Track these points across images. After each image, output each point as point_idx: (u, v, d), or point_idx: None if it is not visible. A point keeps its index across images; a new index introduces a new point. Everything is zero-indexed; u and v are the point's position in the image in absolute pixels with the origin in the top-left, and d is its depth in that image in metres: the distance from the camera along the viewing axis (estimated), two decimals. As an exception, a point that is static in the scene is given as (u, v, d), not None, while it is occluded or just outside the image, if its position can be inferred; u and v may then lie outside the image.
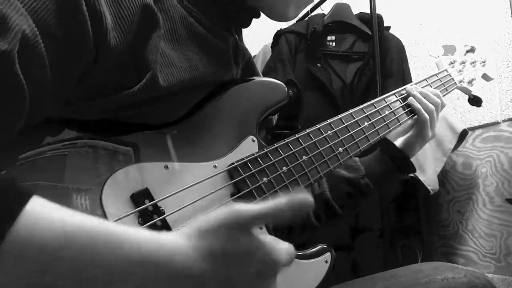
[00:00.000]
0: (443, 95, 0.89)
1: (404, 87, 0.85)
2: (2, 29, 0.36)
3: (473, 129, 1.93)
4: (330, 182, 0.82)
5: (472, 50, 0.99)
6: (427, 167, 1.74)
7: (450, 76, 0.94)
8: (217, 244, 0.37)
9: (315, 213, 0.82)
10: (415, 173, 1.72)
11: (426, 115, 0.81)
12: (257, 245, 0.39)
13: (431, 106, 0.82)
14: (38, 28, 0.38)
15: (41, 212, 0.32)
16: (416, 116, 0.82)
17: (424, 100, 0.82)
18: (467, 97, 1.00)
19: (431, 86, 0.89)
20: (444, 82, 0.92)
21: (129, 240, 0.35)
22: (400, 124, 0.80)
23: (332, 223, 0.83)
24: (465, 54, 0.99)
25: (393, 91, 0.83)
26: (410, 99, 0.82)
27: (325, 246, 0.66)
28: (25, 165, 0.44)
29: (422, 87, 0.86)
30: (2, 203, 0.31)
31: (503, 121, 1.83)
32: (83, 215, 0.35)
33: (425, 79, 0.89)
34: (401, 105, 0.82)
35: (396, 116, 0.80)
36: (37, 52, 0.38)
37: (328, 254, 0.65)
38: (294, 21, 2.12)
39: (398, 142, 0.84)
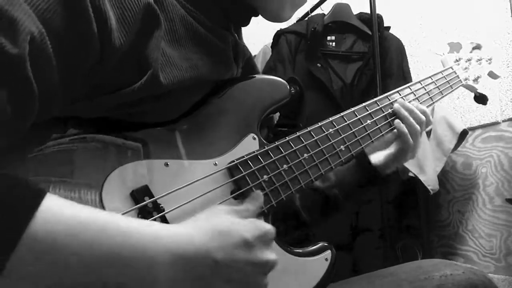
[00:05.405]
0: (447, 94, 0.88)
1: (407, 85, 0.83)
2: (12, 32, 0.36)
3: (473, 129, 1.93)
4: (300, 192, 0.75)
5: (478, 47, 0.97)
6: (427, 167, 1.74)
7: (456, 73, 0.92)
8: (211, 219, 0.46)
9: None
10: (415, 173, 1.72)
11: (411, 141, 0.76)
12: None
13: (417, 128, 0.77)
14: (45, 29, 0.38)
15: (54, 209, 0.35)
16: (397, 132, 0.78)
17: (411, 121, 0.77)
18: (468, 96, 0.99)
19: (435, 84, 0.87)
20: (449, 80, 0.90)
21: (137, 226, 0.40)
22: None
23: (303, 231, 0.81)
24: (471, 52, 0.97)
25: (397, 89, 0.81)
26: (397, 121, 0.77)
27: (325, 244, 0.66)
28: (34, 160, 0.44)
29: (418, 89, 0.84)
30: (18, 202, 0.33)
31: (503, 121, 1.83)
32: (93, 209, 0.39)
33: (430, 77, 0.88)
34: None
35: None
36: (45, 53, 0.39)
37: (329, 252, 0.65)
38: (294, 21, 2.12)
39: (376, 157, 0.79)
